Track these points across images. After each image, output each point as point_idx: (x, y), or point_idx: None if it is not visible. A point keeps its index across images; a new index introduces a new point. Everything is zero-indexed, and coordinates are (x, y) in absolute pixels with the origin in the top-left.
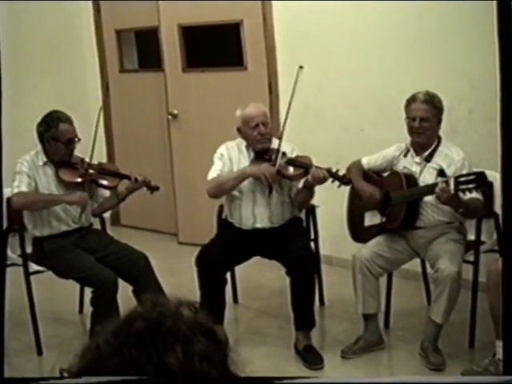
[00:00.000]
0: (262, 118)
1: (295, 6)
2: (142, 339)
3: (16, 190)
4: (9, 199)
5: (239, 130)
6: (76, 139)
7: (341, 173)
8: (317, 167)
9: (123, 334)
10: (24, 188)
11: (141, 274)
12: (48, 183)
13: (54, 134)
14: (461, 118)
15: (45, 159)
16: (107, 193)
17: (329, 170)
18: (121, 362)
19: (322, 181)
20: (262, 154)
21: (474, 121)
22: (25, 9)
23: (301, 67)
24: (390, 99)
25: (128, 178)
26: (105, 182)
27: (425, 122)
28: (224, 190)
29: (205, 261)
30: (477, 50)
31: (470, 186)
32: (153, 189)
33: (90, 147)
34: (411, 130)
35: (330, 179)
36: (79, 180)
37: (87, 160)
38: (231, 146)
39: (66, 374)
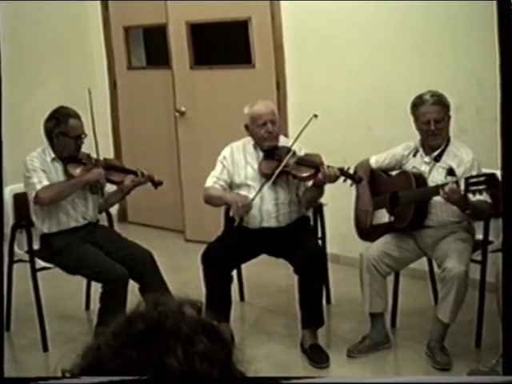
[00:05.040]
0: (270, 117)
1: (303, 4)
2: (143, 340)
3: (39, 186)
4: (35, 195)
5: (247, 127)
6: (83, 135)
7: (351, 171)
8: (328, 166)
9: (123, 335)
10: (46, 182)
11: (146, 271)
12: (58, 179)
13: (64, 129)
14: (469, 117)
15: (53, 155)
16: (111, 188)
17: (340, 169)
18: (121, 364)
19: (334, 179)
20: (270, 153)
21: (482, 120)
22: (32, 6)
23: (315, 116)
24: (397, 98)
25: (133, 173)
26: (112, 177)
27: (439, 123)
28: (212, 204)
29: (210, 258)
30: (485, 49)
31: (481, 187)
32: (157, 184)
33: (94, 145)
34: (426, 134)
35: (342, 178)
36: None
37: (93, 156)
38: (237, 147)
39: (67, 375)
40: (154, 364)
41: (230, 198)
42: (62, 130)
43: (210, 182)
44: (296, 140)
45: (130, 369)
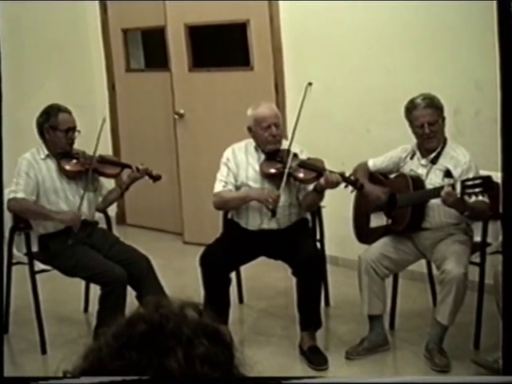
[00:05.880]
0: (274, 120)
1: (302, 6)
2: (143, 342)
3: (12, 195)
4: (7, 201)
5: (250, 129)
6: (76, 129)
7: (353, 177)
8: (330, 171)
9: (124, 337)
10: (20, 194)
11: (143, 277)
12: (50, 176)
13: (54, 122)
14: (467, 119)
15: (46, 152)
16: (109, 187)
17: (342, 175)
18: (122, 365)
19: (335, 185)
20: (272, 154)
21: (481, 122)
22: (30, 8)
23: (310, 84)
24: (396, 100)
25: (129, 167)
26: (106, 170)
27: (433, 126)
28: (229, 207)
29: (209, 260)
30: (483, 52)
31: (477, 190)
32: (155, 178)
33: (93, 149)
34: (422, 137)
35: (343, 184)
36: (80, 168)
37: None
38: (238, 148)
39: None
40: (154, 366)
41: (257, 196)
42: (52, 123)
43: (219, 186)
44: (298, 119)
45: (130, 370)
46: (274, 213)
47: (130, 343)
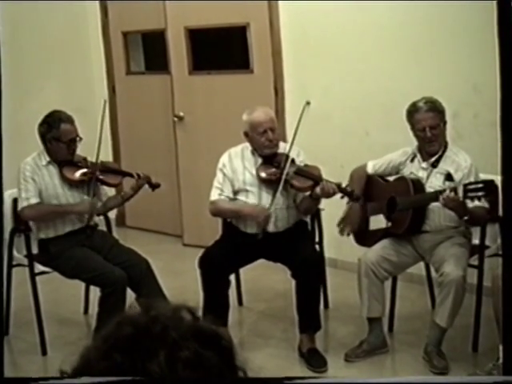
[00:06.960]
0: (269, 124)
1: (301, 9)
2: (128, 345)
3: (25, 203)
4: (20, 210)
5: (246, 134)
6: (78, 138)
7: (350, 188)
8: (327, 181)
9: (112, 339)
10: (33, 200)
11: (143, 279)
12: (52, 183)
13: (56, 134)
14: (466, 122)
15: (48, 159)
16: (110, 192)
17: (338, 186)
18: (107, 367)
19: (331, 195)
20: (269, 159)
21: (480, 125)
22: (31, 10)
23: (308, 103)
24: (395, 103)
25: (130, 175)
26: (108, 180)
27: (434, 129)
28: (223, 217)
29: (208, 263)
30: (482, 55)
31: (479, 194)
32: (154, 186)
33: (96, 148)
34: (423, 140)
35: (339, 194)
36: (83, 178)
37: (90, 159)
38: (235, 153)
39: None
40: (136, 368)
41: (249, 213)
42: (53, 134)
43: (215, 194)
44: (295, 136)
45: (114, 372)
46: (263, 230)
47: (116, 345)
